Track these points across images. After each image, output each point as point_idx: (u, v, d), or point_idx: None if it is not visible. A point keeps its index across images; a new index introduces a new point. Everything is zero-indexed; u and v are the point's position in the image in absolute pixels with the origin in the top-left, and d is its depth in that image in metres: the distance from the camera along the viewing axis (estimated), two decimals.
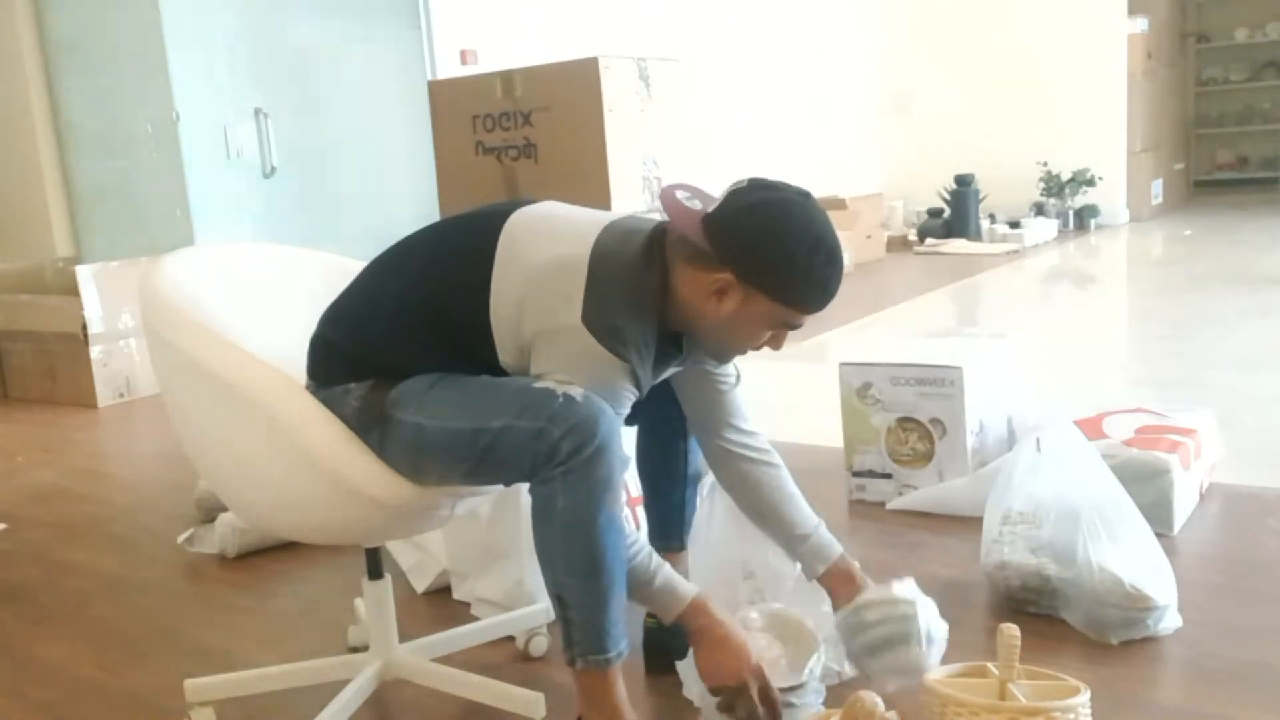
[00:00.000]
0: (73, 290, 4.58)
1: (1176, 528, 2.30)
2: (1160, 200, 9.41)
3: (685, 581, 1.56)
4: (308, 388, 1.58)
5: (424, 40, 5.83)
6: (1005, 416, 2.70)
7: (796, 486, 1.81)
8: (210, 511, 2.86)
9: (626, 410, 1.52)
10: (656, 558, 1.55)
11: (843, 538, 2.43)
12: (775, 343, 1.60)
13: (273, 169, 5.14)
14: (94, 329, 4.59)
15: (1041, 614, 1.94)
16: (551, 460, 1.40)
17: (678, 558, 1.94)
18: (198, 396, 1.61)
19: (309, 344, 1.63)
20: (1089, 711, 1.41)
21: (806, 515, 1.79)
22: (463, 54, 5.92)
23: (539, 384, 1.45)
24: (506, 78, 2.68)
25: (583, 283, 1.47)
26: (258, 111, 5.07)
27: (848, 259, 7.14)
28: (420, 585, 2.33)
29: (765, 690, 1.54)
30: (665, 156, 2.80)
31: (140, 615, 2.33)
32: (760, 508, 1.80)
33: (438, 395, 1.50)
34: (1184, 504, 2.35)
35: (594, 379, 1.45)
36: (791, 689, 1.61)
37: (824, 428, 3.09)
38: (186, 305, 1.61)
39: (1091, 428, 2.47)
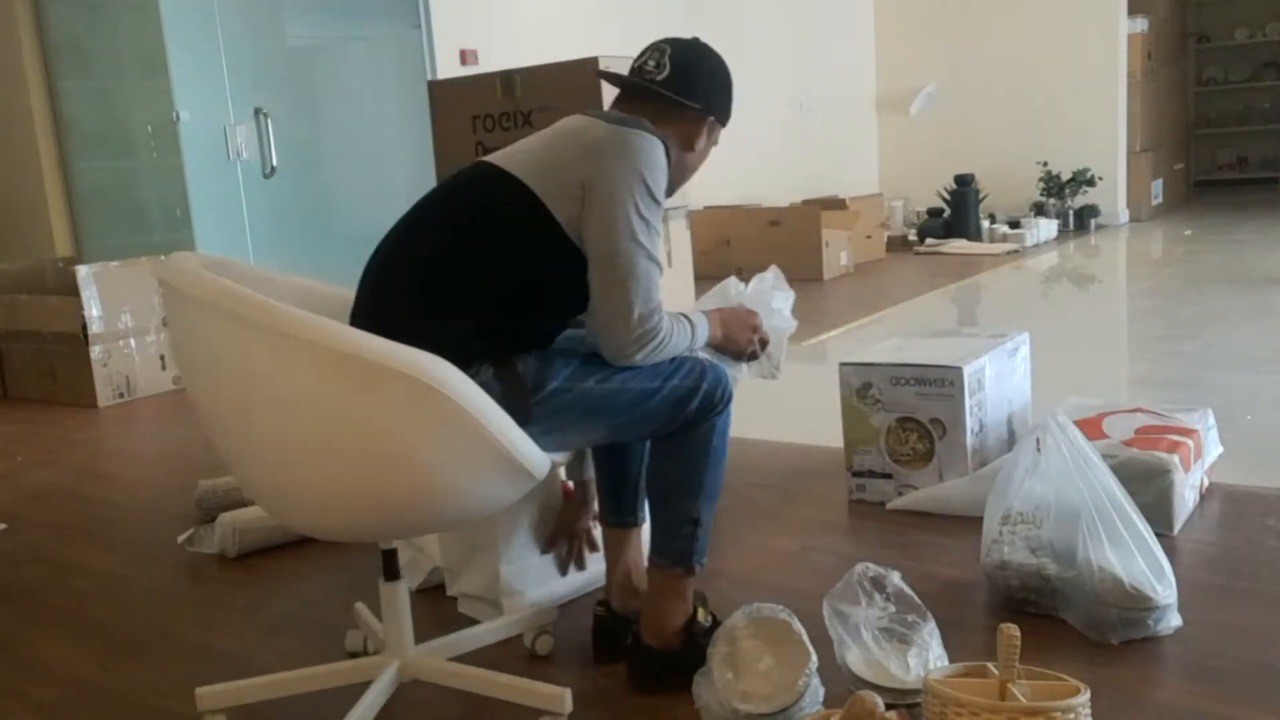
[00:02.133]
0: (73, 290, 4.59)
1: (1176, 528, 2.30)
2: (1160, 200, 9.41)
3: (700, 315, 1.84)
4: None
5: (424, 40, 5.83)
6: (1005, 416, 2.70)
7: None
8: (210, 511, 2.86)
9: (661, 200, 1.70)
10: (684, 320, 1.76)
11: (843, 537, 2.44)
12: None
13: (273, 169, 5.14)
14: (94, 329, 4.59)
15: (1042, 614, 1.94)
16: (707, 407, 1.73)
17: (631, 534, 1.96)
18: (321, 389, 1.46)
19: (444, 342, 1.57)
20: (1089, 711, 1.41)
21: None
22: (463, 54, 5.92)
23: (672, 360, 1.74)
24: (506, 78, 2.67)
25: (600, 123, 1.71)
26: (258, 111, 5.07)
27: (847, 259, 7.15)
28: (413, 583, 2.32)
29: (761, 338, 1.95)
30: None
31: (140, 615, 2.33)
32: None
33: (594, 366, 1.68)
34: (1184, 504, 2.35)
35: (642, 164, 1.66)
36: (784, 709, 1.58)
37: (824, 428, 3.09)
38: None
39: (1091, 428, 2.47)
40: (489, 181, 1.68)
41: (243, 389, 1.51)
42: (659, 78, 1.81)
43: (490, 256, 1.63)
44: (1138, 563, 1.86)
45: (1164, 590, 1.84)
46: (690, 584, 1.81)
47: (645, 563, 1.92)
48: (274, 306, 1.45)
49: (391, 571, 1.75)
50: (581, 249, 1.65)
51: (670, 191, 1.78)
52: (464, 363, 1.54)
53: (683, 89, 1.81)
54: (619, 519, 1.96)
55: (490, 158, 1.73)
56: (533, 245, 1.64)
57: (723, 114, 1.90)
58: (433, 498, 1.54)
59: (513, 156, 1.70)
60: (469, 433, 1.50)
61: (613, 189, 1.62)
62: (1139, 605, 1.82)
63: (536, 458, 1.61)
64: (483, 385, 1.55)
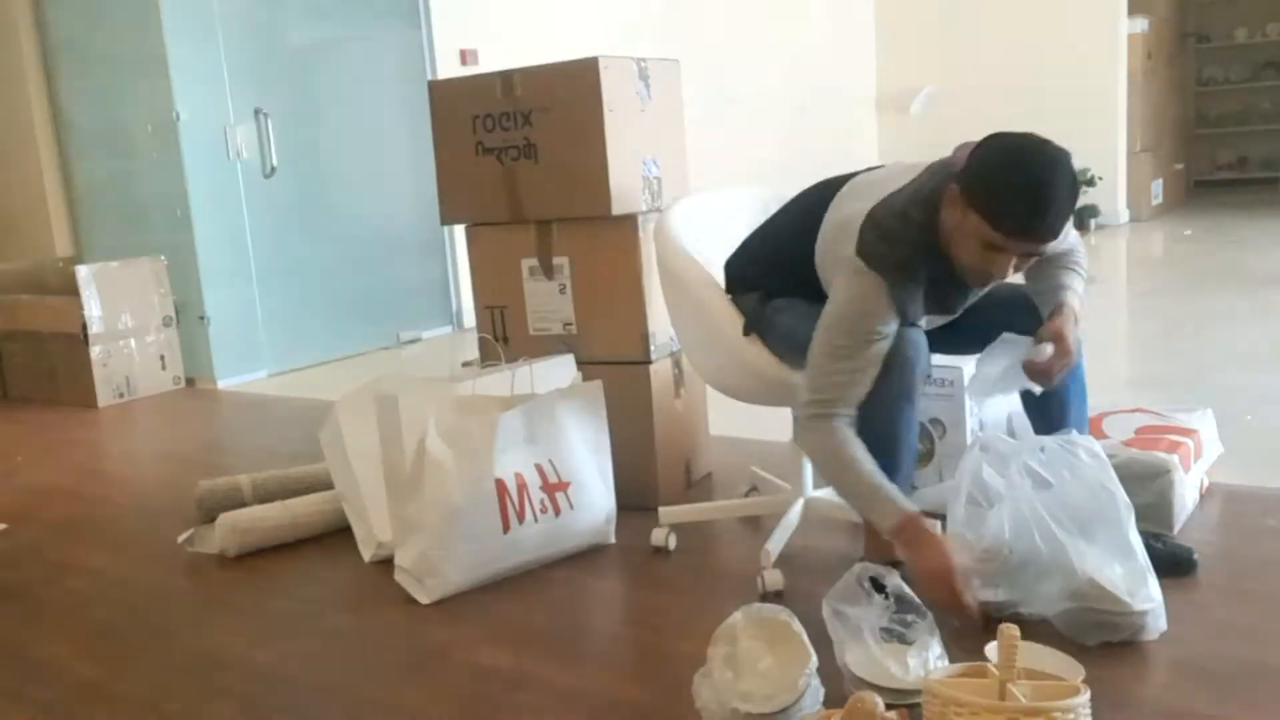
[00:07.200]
0: (73, 290, 4.59)
1: (1176, 528, 2.30)
2: (1160, 200, 9.41)
3: (906, 499, 1.88)
4: (728, 293, 2.27)
5: (424, 40, 5.83)
6: (1005, 416, 2.70)
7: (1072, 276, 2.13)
8: (210, 511, 2.86)
9: (890, 327, 1.90)
10: (860, 471, 1.89)
11: (843, 538, 2.44)
12: (999, 267, 1.84)
13: (273, 169, 5.14)
14: (94, 329, 4.59)
15: (1036, 618, 1.94)
16: None
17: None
18: (677, 295, 2.36)
19: (725, 265, 2.30)
20: (1089, 711, 1.41)
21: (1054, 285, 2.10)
22: (463, 54, 5.92)
23: None
24: (506, 78, 2.67)
25: (857, 227, 1.92)
26: (258, 111, 5.07)
27: None
28: (366, 555, 2.51)
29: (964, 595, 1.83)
30: (665, 156, 2.80)
31: (140, 615, 2.33)
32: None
33: (803, 309, 2.05)
34: (1184, 504, 2.35)
35: (854, 296, 1.90)
36: (784, 709, 1.58)
37: None
38: (682, 240, 2.33)
39: (1092, 428, 2.47)
40: (823, 190, 2.14)
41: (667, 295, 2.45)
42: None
43: (776, 243, 2.22)
44: (1115, 568, 1.84)
45: (1142, 595, 1.83)
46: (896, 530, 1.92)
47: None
48: (682, 254, 2.32)
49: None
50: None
51: (966, 273, 1.92)
52: (744, 289, 2.23)
53: (958, 165, 1.88)
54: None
55: (839, 193, 2.10)
56: (806, 273, 2.10)
57: (968, 193, 1.80)
58: (721, 374, 2.35)
59: (843, 198, 2.06)
60: (711, 329, 2.29)
61: (830, 302, 1.96)
62: (1115, 609, 1.81)
63: (752, 357, 2.22)
64: (747, 303, 2.20)
